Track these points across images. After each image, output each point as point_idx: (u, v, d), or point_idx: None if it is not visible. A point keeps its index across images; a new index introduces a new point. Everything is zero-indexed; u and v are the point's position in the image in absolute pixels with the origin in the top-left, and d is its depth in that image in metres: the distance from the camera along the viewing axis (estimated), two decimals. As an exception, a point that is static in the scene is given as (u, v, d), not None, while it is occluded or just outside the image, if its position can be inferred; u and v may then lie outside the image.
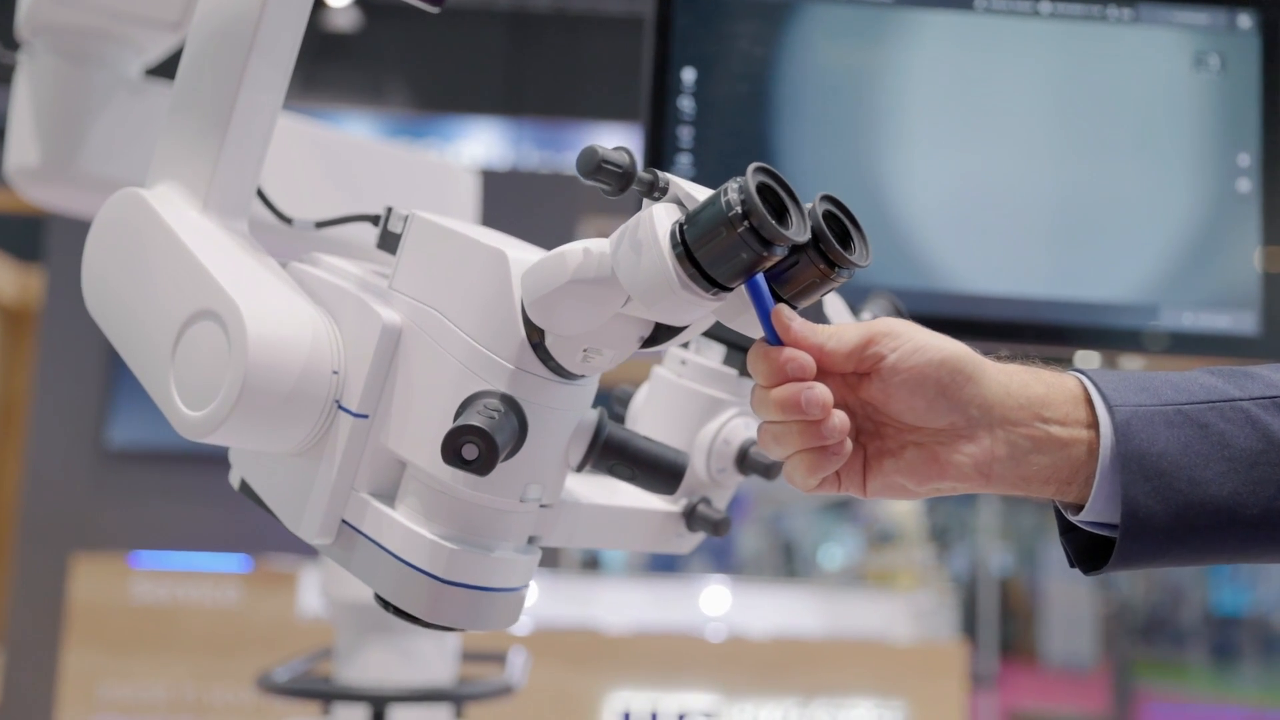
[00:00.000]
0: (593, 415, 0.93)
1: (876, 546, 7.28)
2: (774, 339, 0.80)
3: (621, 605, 5.33)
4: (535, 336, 0.81)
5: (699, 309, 0.77)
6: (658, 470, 0.96)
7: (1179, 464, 0.81)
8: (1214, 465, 0.81)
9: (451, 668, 2.09)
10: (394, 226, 0.90)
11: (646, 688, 5.09)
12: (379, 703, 1.99)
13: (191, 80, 0.96)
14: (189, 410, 0.83)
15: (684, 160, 1.35)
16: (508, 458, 0.80)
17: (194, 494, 5.71)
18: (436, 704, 2.09)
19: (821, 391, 0.79)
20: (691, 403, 1.14)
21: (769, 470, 1.12)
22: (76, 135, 1.52)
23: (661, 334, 0.85)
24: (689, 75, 1.36)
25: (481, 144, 8.09)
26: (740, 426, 1.15)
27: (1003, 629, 10.75)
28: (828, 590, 6.17)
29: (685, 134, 1.35)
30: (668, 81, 1.36)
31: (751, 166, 0.74)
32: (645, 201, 0.79)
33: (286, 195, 1.17)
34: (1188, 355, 1.32)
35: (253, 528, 5.42)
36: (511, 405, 0.80)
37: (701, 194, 0.77)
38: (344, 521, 0.87)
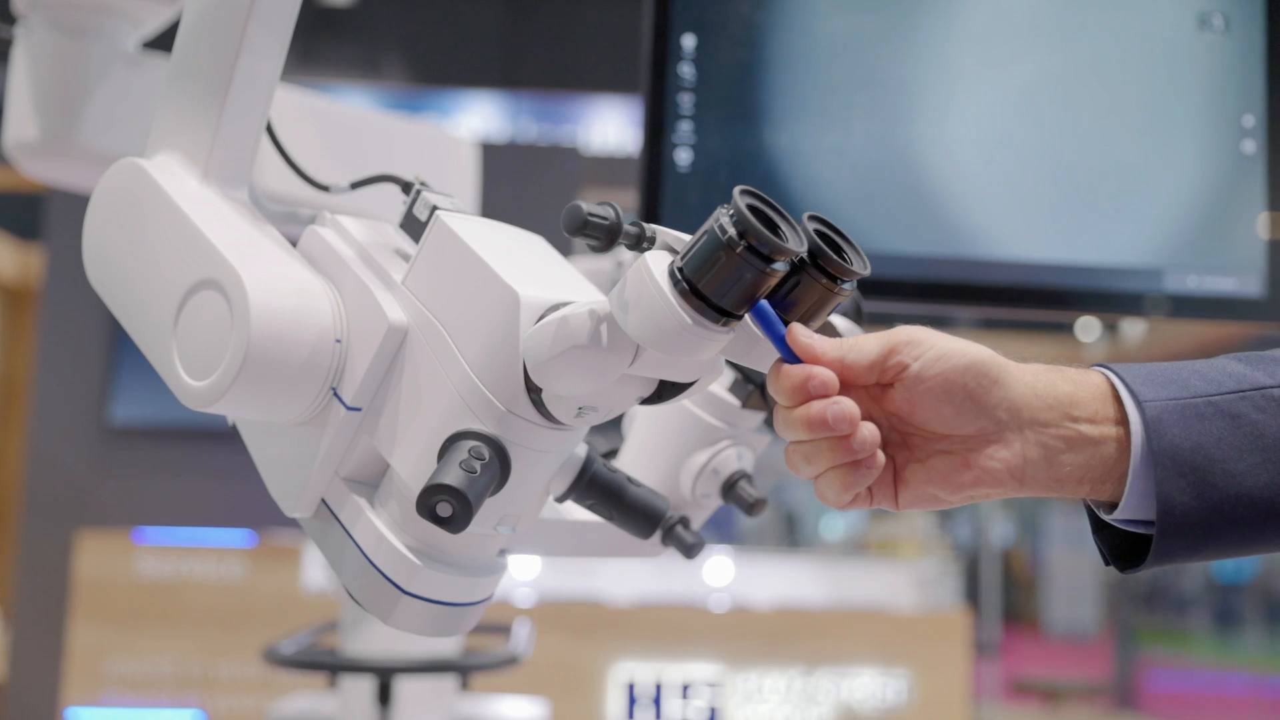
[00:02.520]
0: (581, 451, 0.93)
1: (879, 516, 7.29)
2: (792, 360, 0.79)
3: (625, 577, 5.34)
4: (533, 385, 0.80)
5: (712, 344, 0.76)
6: (636, 515, 0.96)
7: (1213, 458, 0.80)
8: (1248, 457, 0.80)
9: (456, 639, 2.09)
10: (419, 212, 0.89)
11: (650, 659, 5.10)
12: (385, 674, 1.99)
13: (189, 48, 0.95)
14: (192, 380, 0.83)
15: (685, 128, 1.34)
16: (491, 495, 0.80)
17: (197, 470, 5.72)
18: (442, 675, 2.10)
19: (848, 405, 0.78)
20: (688, 425, 1.15)
21: (752, 508, 1.13)
22: (75, 109, 1.51)
23: (666, 391, 0.84)
24: (689, 41, 1.35)
25: (479, 117, 8.06)
26: (732, 458, 1.15)
27: (1005, 598, 10.78)
28: (831, 560, 6.18)
29: (686, 101, 1.34)
30: (668, 48, 1.35)
31: (737, 189, 0.75)
32: (632, 255, 0.79)
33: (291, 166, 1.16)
34: (1192, 319, 1.31)
35: (256, 503, 5.43)
36: (497, 450, 0.79)
37: (688, 238, 0.77)
38: (324, 502, 0.87)
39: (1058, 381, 0.83)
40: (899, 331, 0.83)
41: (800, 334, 0.79)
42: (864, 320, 1.18)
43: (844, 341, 0.82)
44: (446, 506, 0.75)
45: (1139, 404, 0.81)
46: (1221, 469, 0.80)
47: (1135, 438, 0.81)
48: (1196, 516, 0.80)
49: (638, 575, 5.34)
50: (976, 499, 0.84)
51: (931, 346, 0.82)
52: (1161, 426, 0.80)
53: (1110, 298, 1.33)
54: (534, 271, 0.85)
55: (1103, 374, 0.84)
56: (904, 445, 0.85)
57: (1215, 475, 0.80)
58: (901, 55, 1.36)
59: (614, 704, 5.05)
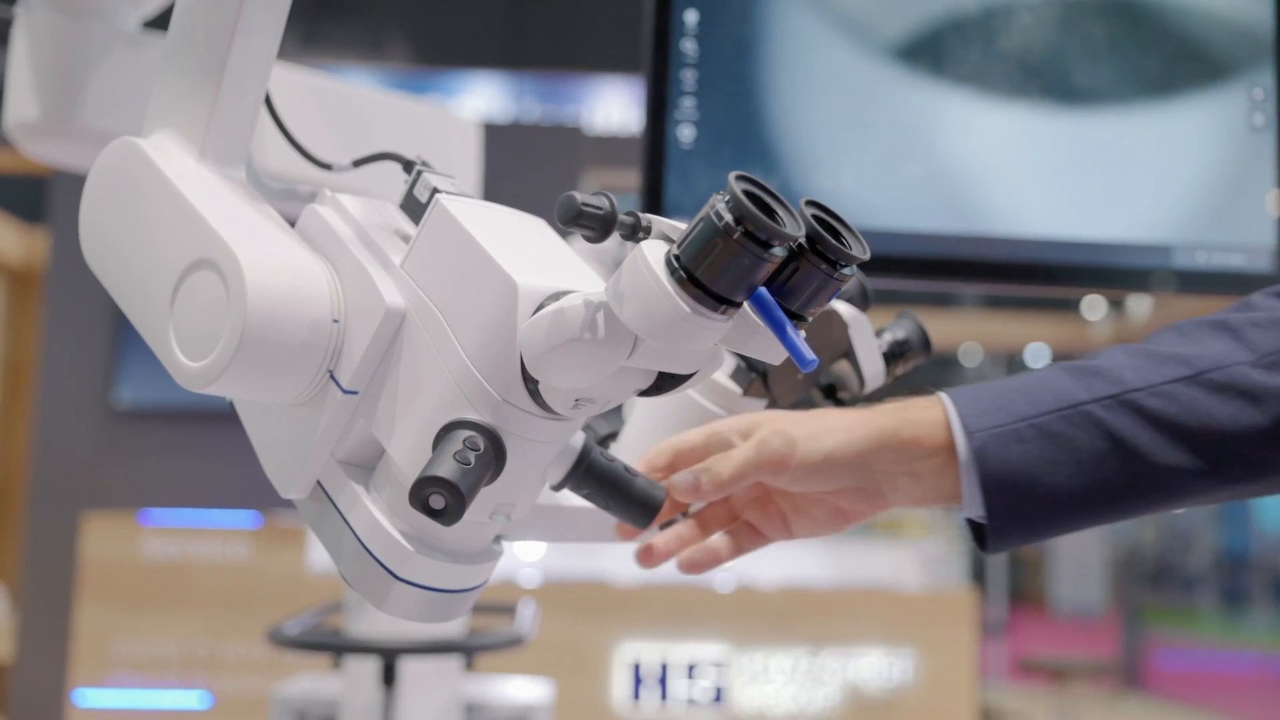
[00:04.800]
0: (579, 439, 0.92)
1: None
2: (790, 347, 0.78)
3: (630, 557, 5.34)
4: (530, 375, 0.80)
5: (710, 333, 0.75)
6: (633, 506, 0.96)
7: (1033, 475, 0.91)
8: (1064, 469, 0.91)
9: (461, 619, 2.09)
10: (419, 193, 0.88)
11: (656, 639, 5.11)
12: (389, 655, 2.00)
13: (184, 27, 0.94)
14: (188, 361, 0.82)
15: (687, 104, 1.33)
16: (486, 484, 0.79)
17: (203, 451, 5.73)
18: (447, 655, 2.10)
19: (660, 548, 1.14)
20: (688, 411, 1.14)
21: None
22: (75, 89, 1.51)
23: (665, 383, 0.83)
24: (691, 17, 1.34)
25: (483, 98, 8.05)
26: None
27: (1012, 577, 10.78)
28: (836, 540, 6.17)
29: (688, 77, 1.33)
30: (670, 24, 1.34)
31: (732, 175, 0.74)
32: (628, 246, 0.78)
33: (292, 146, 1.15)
34: (1201, 295, 1.30)
35: (262, 484, 5.42)
36: (492, 441, 0.78)
37: (684, 227, 0.76)
38: (320, 485, 0.86)
39: (899, 428, 0.95)
40: (760, 457, 0.98)
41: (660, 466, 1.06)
42: (871, 301, 1.17)
43: (710, 480, 1.01)
44: (439, 499, 0.75)
45: (967, 434, 0.93)
46: (1040, 484, 0.92)
47: (964, 463, 0.93)
48: (1021, 522, 0.93)
49: (643, 555, 5.34)
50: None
51: (793, 473, 0.97)
52: (985, 454, 0.92)
53: (1118, 274, 1.32)
54: (534, 258, 0.84)
55: (941, 404, 0.96)
56: (785, 494, 1.03)
57: (1036, 489, 0.92)
58: (901, 30, 1.35)
59: (619, 684, 5.06)
